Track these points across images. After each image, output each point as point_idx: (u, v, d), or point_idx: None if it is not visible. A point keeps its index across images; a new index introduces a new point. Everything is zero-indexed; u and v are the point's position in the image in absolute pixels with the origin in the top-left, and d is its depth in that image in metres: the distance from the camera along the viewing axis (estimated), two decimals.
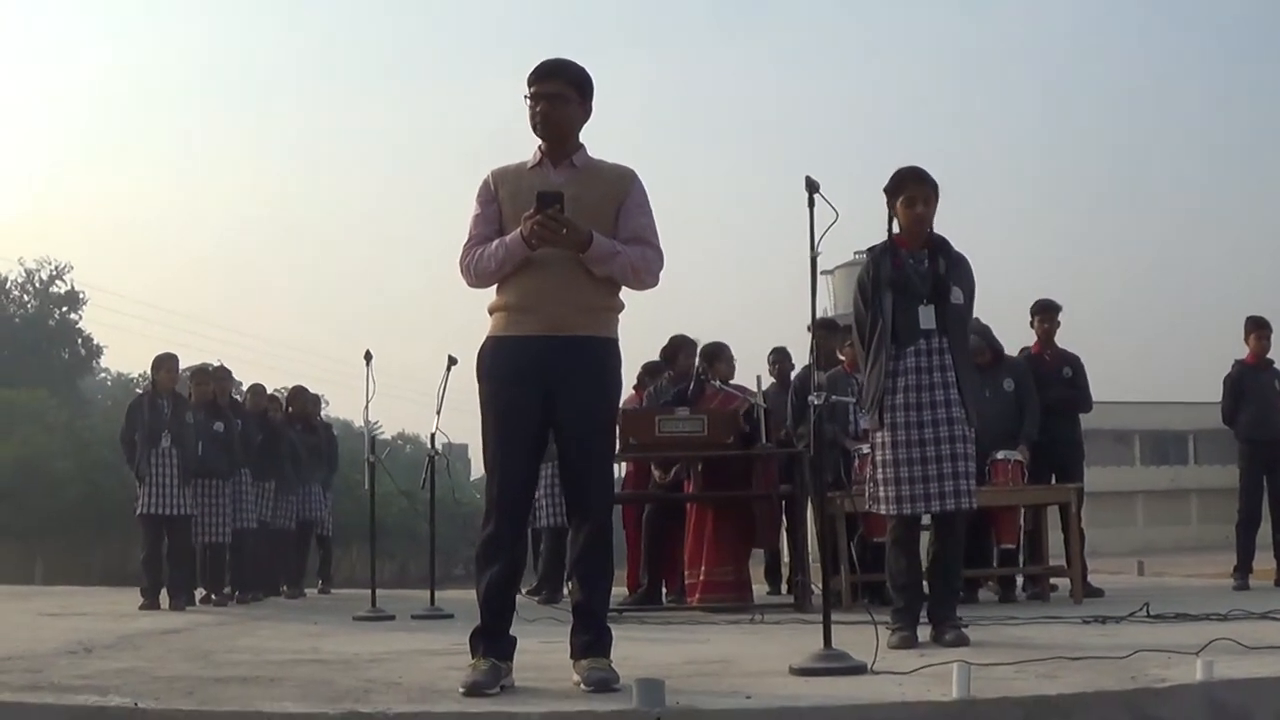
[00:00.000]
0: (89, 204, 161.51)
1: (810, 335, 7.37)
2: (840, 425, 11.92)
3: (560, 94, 6.24)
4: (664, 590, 12.89)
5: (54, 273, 76.92)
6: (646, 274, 6.28)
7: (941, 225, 8.23)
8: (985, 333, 12.59)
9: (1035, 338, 13.70)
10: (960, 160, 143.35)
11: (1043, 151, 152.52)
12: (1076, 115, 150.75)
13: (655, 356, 14.16)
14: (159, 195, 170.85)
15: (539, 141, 6.35)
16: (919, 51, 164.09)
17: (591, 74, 6.37)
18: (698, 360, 13.19)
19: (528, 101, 6.27)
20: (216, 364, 16.80)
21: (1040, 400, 13.03)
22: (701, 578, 12.09)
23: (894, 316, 8.00)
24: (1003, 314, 13.03)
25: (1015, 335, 13.85)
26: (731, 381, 13.02)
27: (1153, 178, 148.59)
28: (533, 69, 6.27)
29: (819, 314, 7.11)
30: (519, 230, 6.07)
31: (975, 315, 12.49)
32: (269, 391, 17.80)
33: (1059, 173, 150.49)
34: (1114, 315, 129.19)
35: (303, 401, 18.01)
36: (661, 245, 6.34)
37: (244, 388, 17.81)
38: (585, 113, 6.34)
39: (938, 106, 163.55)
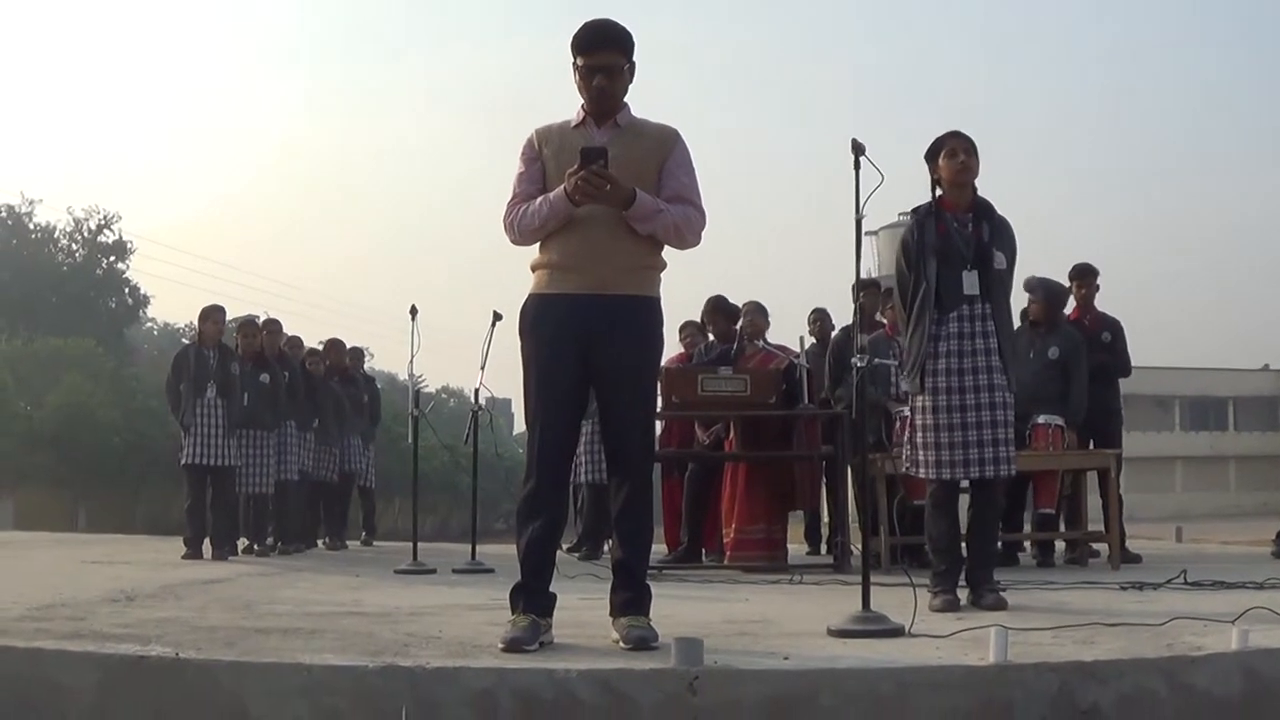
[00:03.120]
0: (138, 154, 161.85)
1: (853, 297, 7.35)
2: (882, 388, 11.91)
3: (614, 65, 6.24)
4: (703, 549, 12.89)
5: (102, 222, 77.31)
6: (689, 233, 6.28)
7: (990, 188, 8.24)
8: (1047, 289, 12.57)
9: (1074, 302, 13.61)
10: (1004, 121, 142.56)
11: (1090, 114, 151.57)
12: (1124, 77, 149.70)
13: (697, 315, 14.18)
14: (209, 147, 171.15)
15: (582, 101, 6.36)
16: (969, 9, 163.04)
17: (631, 30, 6.36)
18: (742, 319, 13.20)
19: (577, 69, 6.27)
20: (265, 316, 16.83)
21: None
22: (732, 535, 12.13)
23: (938, 281, 8.00)
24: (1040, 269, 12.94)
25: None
26: (772, 340, 13.03)
27: (1200, 140, 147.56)
28: (580, 35, 6.23)
29: (867, 273, 7.11)
30: (562, 187, 6.10)
31: (1047, 277, 12.48)
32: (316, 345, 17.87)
33: (1105, 134, 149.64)
34: (1157, 280, 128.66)
35: (338, 353, 17.97)
36: (704, 205, 6.35)
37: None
38: (632, 74, 6.35)
39: (985, 68, 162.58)
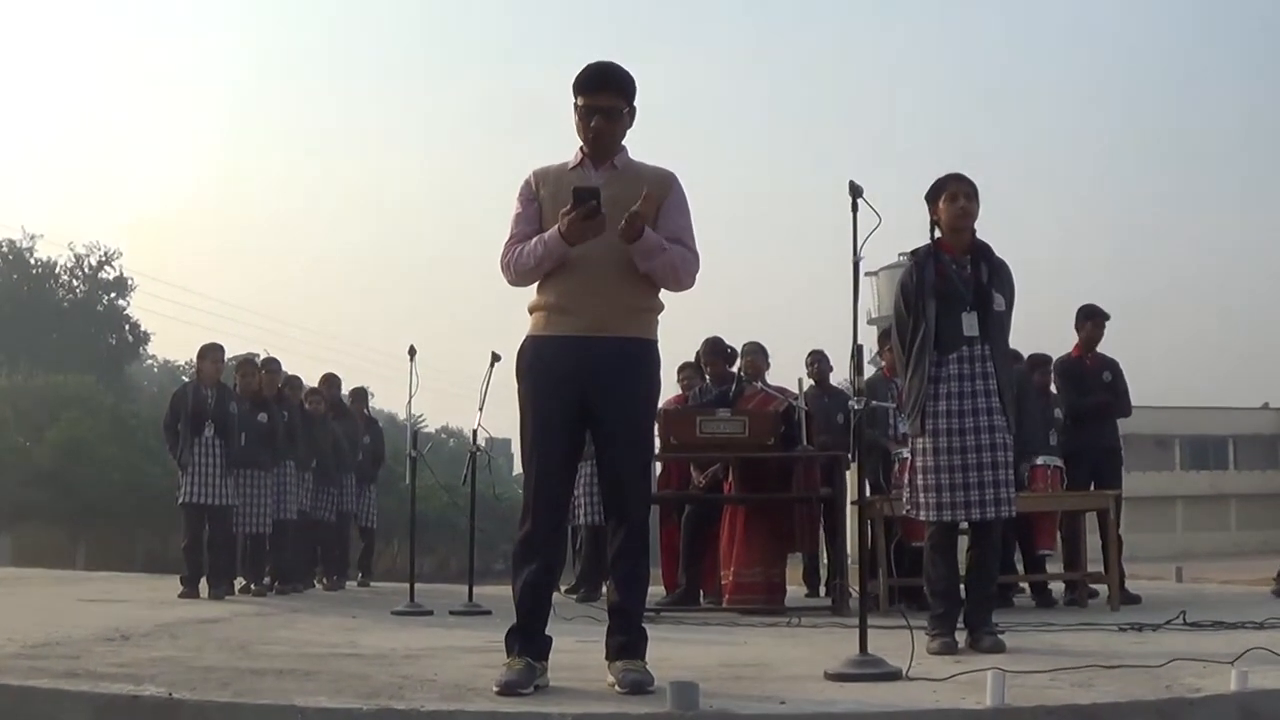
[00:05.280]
0: (139, 191, 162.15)
1: (851, 340, 7.33)
2: (881, 430, 11.91)
3: (614, 107, 6.25)
4: (701, 592, 12.86)
5: (103, 258, 77.24)
6: (685, 274, 6.29)
7: (984, 226, 8.25)
8: None
9: (1077, 340, 13.59)
10: (999, 160, 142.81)
11: (1083, 149, 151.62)
12: (1116, 111, 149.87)
13: (693, 357, 14.16)
14: (209, 183, 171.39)
15: (580, 143, 6.36)
16: (964, 52, 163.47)
17: (632, 73, 6.38)
18: (742, 359, 13.23)
19: (577, 110, 6.28)
20: (264, 355, 16.85)
21: (1079, 405, 13.03)
22: (731, 578, 12.09)
23: (937, 323, 7.99)
24: (1038, 315, 12.94)
25: (1055, 337, 13.81)
26: (771, 382, 13.03)
27: (1194, 174, 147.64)
28: (581, 76, 6.26)
29: (862, 317, 7.10)
30: (556, 227, 6.10)
31: None
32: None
33: (1098, 170, 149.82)
34: (1155, 319, 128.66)
35: (332, 388, 17.78)
36: (698, 249, 6.35)
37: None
38: (632, 118, 6.35)
39: (979, 107, 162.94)
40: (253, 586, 14.87)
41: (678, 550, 13.05)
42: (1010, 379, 8.23)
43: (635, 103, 6.34)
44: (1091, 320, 13.59)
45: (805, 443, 11.94)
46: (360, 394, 19.35)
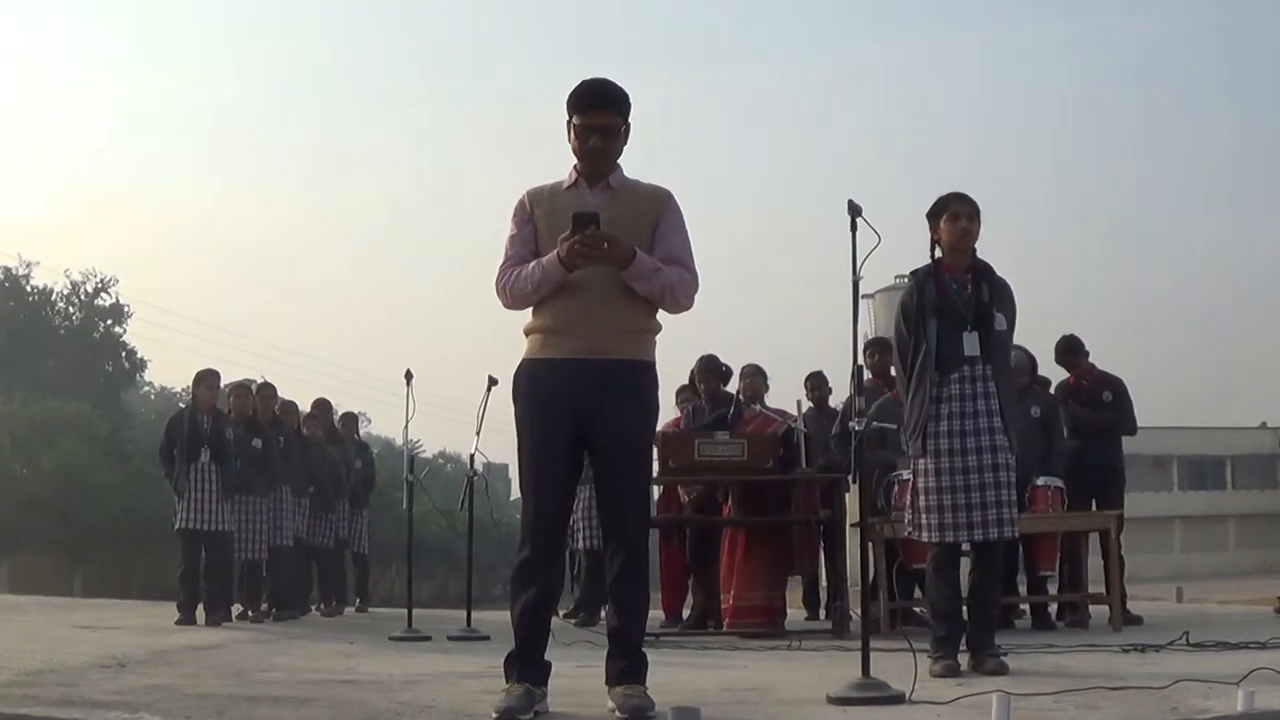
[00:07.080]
0: (136, 217, 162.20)
1: (852, 359, 7.29)
2: (893, 451, 11.87)
3: (611, 125, 6.20)
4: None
5: (99, 285, 77.27)
6: (683, 295, 6.23)
7: (981, 246, 8.20)
8: (1031, 357, 12.53)
9: (1070, 373, 13.53)
10: (993, 178, 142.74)
11: (1072, 168, 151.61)
12: (1104, 128, 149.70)
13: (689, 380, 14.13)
14: (206, 210, 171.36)
15: (575, 161, 6.31)
16: (959, 73, 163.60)
17: (629, 90, 6.32)
18: (741, 381, 13.19)
19: (573, 127, 6.23)
20: (260, 380, 16.79)
21: (1081, 423, 12.98)
22: (731, 602, 12.02)
23: (938, 342, 7.94)
24: (1034, 332, 12.87)
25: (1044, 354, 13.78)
26: (770, 404, 12.99)
27: (1185, 193, 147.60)
28: (578, 93, 6.20)
29: (864, 336, 7.07)
30: (556, 252, 6.04)
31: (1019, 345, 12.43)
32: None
33: (1087, 187, 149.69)
34: (1151, 339, 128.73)
35: (325, 413, 17.86)
36: (696, 268, 6.30)
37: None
38: (627, 135, 6.30)
39: (972, 127, 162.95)
40: (250, 613, 14.80)
41: (678, 574, 13.01)
42: (1012, 399, 8.18)
43: (630, 120, 6.29)
44: (1065, 356, 13.52)
45: (804, 465, 11.89)
46: (350, 418, 19.38)
